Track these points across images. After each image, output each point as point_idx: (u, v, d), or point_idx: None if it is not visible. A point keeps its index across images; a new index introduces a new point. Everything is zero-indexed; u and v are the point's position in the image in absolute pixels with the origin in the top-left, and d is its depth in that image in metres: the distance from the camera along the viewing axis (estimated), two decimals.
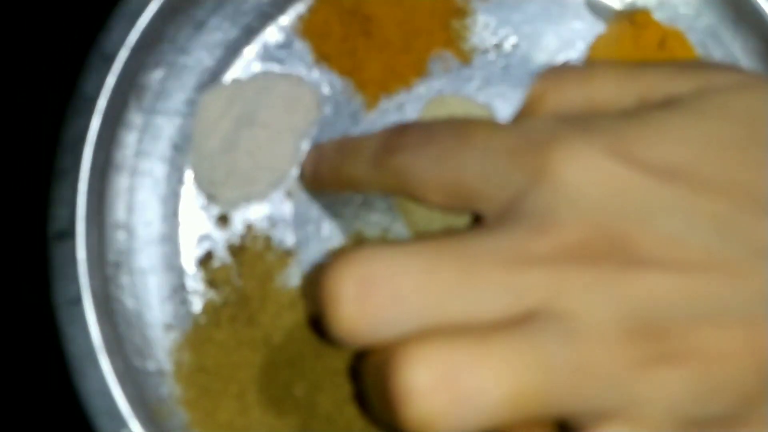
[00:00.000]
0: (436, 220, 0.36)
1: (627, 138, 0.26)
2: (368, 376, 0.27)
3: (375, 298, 0.25)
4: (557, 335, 0.24)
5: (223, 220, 0.37)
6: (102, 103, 0.34)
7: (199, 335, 0.35)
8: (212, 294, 0.36)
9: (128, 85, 0.35)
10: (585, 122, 0.27)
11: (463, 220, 0.36)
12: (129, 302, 0.35)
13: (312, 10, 0.38)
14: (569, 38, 0.38)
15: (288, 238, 0.37)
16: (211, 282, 0.36)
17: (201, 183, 0.37)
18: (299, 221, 0.37)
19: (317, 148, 0.36)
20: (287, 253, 0.36)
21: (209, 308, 0.36)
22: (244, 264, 0.36)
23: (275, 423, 0.34)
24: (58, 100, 0.35)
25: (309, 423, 0.34)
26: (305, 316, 0.35)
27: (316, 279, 0.26)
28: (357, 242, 0.36)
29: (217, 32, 0.37)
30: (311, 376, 0.34)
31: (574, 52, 0.38)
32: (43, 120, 0.35)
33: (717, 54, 0.37)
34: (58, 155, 0.34)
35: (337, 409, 0.33)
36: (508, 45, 0.38)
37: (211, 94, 0.37)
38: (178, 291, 0.36)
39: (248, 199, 0.37)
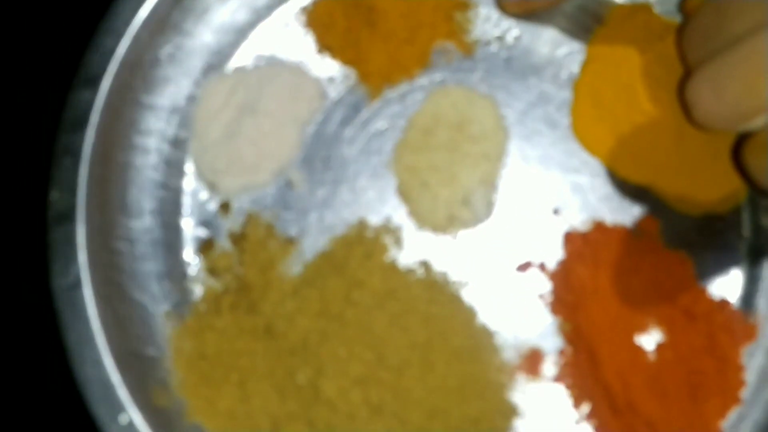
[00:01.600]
0: (440, 209, 0.36)
1: None
2: None
3: None
4: None
5: (224, 208, 0.36)
6: (105, 85, 0.34)
7: (200, 322, 0.35)
8: (213, 281, 0.36)
9: (132, 68, 0.35)
10: None
11: (466, 210, 0.36)
12: (129, 288, 0.35)
13: (316, 1, 0.38)
14: (570, 31, 0.38)
15: (290, 226, 0.36)
16: (212, 269, 0.36)
17: (202, 171, 0.37)
18: (302, 209, 0.36)
19: None
20: (290, 241, 0.36)
21: (210, 296, 0.35)
22: (246, 252, 0.35)
23: (277, 411, 0.33)
24: (60, 82, 0.34)
25: (312, 410, 0.33)
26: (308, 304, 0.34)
27: None
28: (361, 229, 0.36)
29: (223, 18, 0.37)
30: (315, 363, 0.33)
31: (575, 44, 0.38)
32: (46, 102, 0.35)
33: None
34: (59, 137, 0.34)
35: (342, 396, 0.32)
36: (510, 37, 0.38)
37: (213, 82, 0.37)
38: (179, 278, 0.36)
39: (250, 187, 0.36)
